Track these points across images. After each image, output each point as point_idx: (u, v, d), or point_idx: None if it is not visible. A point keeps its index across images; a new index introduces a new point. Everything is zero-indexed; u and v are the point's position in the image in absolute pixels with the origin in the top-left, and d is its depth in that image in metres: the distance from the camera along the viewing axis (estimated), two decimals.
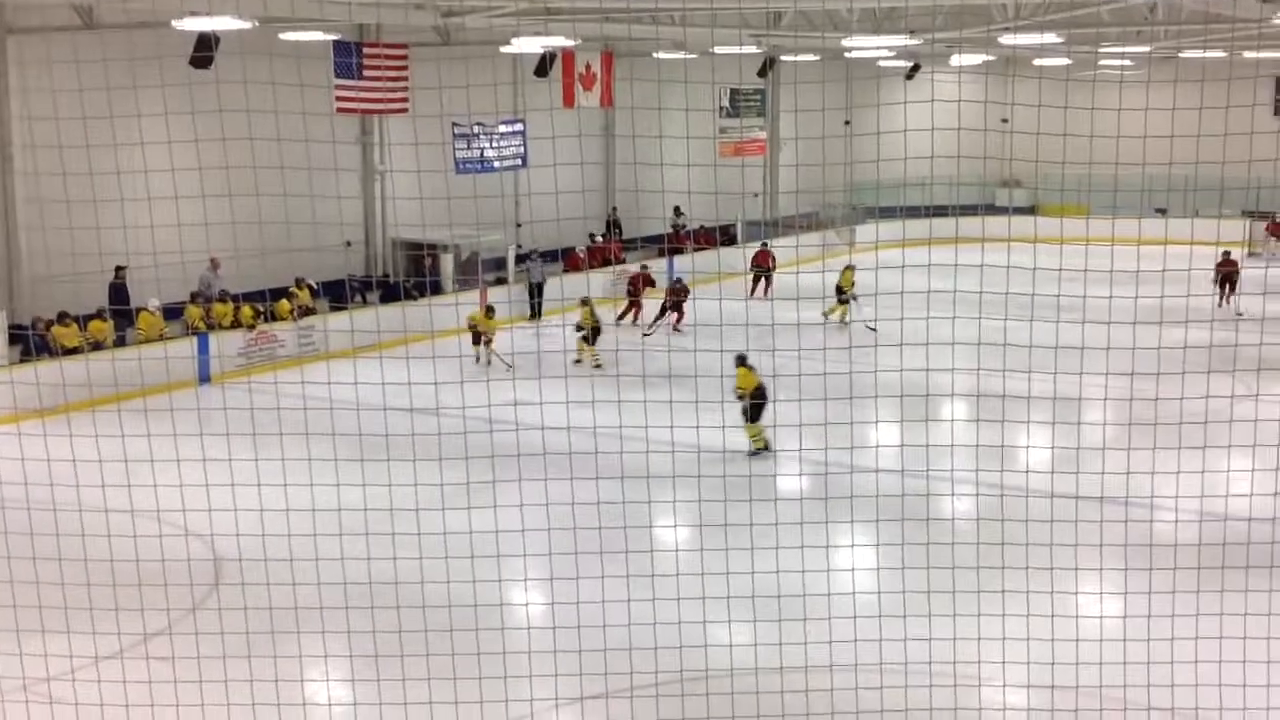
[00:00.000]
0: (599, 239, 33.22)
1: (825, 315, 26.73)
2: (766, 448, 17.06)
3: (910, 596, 8.87)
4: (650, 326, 26.53)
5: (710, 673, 9.25)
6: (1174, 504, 13.91)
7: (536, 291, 28.95)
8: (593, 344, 23.58)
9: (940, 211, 36.70)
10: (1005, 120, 38.85)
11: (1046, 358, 20.16)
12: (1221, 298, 28.69)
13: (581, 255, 31.63)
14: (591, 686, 9.12)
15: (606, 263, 31.83)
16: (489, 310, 24.35)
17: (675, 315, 26.72)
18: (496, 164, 29.65)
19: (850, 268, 26.33)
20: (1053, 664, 8.33)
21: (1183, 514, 14.29)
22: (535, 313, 28.86)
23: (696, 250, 32.66)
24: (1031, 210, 40.13)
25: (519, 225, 30.81)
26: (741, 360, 17.04)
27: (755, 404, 16.87)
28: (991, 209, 39.77)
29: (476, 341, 24.04)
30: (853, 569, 10.34)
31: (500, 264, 29.53)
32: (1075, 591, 11.11)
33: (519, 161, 29.92)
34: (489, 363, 23.38)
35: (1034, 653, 8.48)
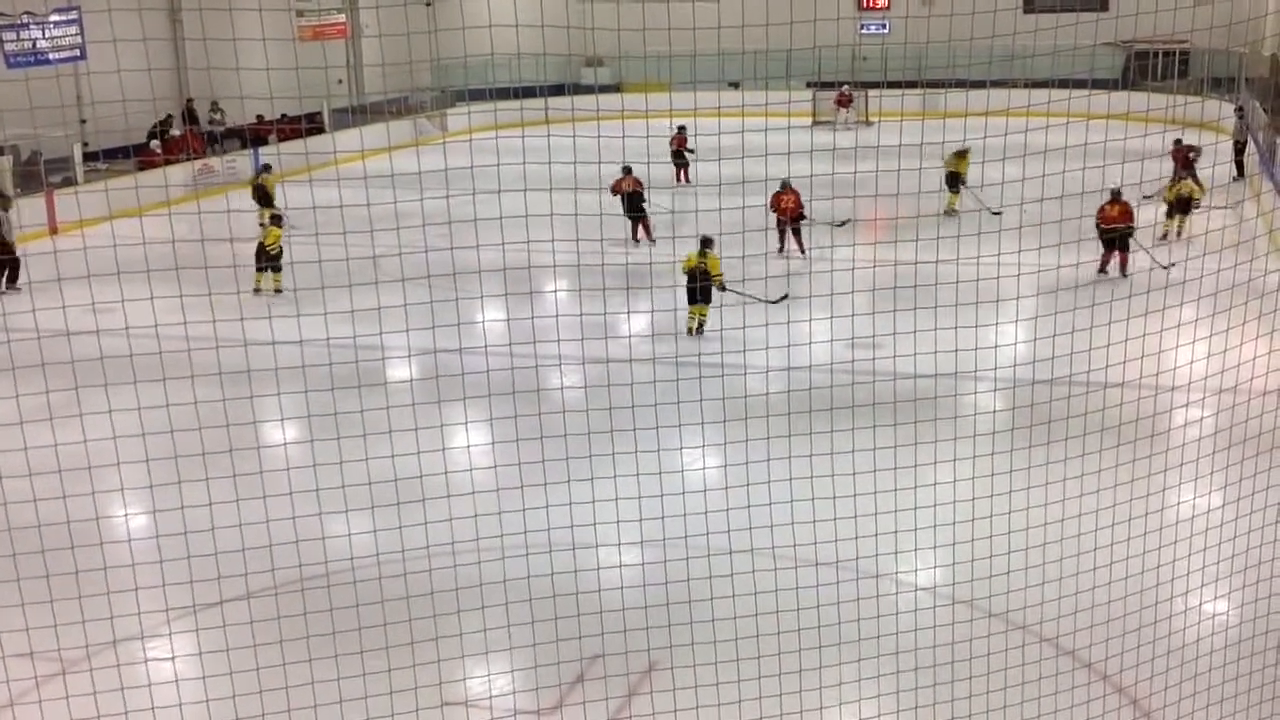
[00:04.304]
0: (155, 145, 30.25)
1: (947, 211, 24.79)
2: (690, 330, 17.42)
3: (526, 468, 8.99)
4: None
5: (331, 563, 9.08)
6: (764, 359, 14.79)
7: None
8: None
9: (526, 92, 36.86)
10: None
11: (622, 230, 20.71)
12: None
13: (157, 151, 29.76)
14: (207, 594, 8.76)
15: (195, 155, 30.13)
16: None
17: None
18: (52, 56, 27.25)
19: (966, 151, 24.38)
20: (663, 518, 8.69)
21: (769, 368, 15.26)
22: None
23: (282, 140, 31.40)
24: (616, 88, 41.01)
25: (83, 121, 28.58)
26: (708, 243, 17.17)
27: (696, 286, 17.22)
28: (579, 88, 40.35)
29: None
30: (468, 446, 10.36)
31: (65, 164, 27.35)
32: (669, 450, 11.59)
33: (77, 53, 27.60)
34: None
35: (645, 510, 8.82)
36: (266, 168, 25.82)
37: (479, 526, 8.51)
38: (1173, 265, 19.57)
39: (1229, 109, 30.50)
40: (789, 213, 22.17)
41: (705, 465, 12.24)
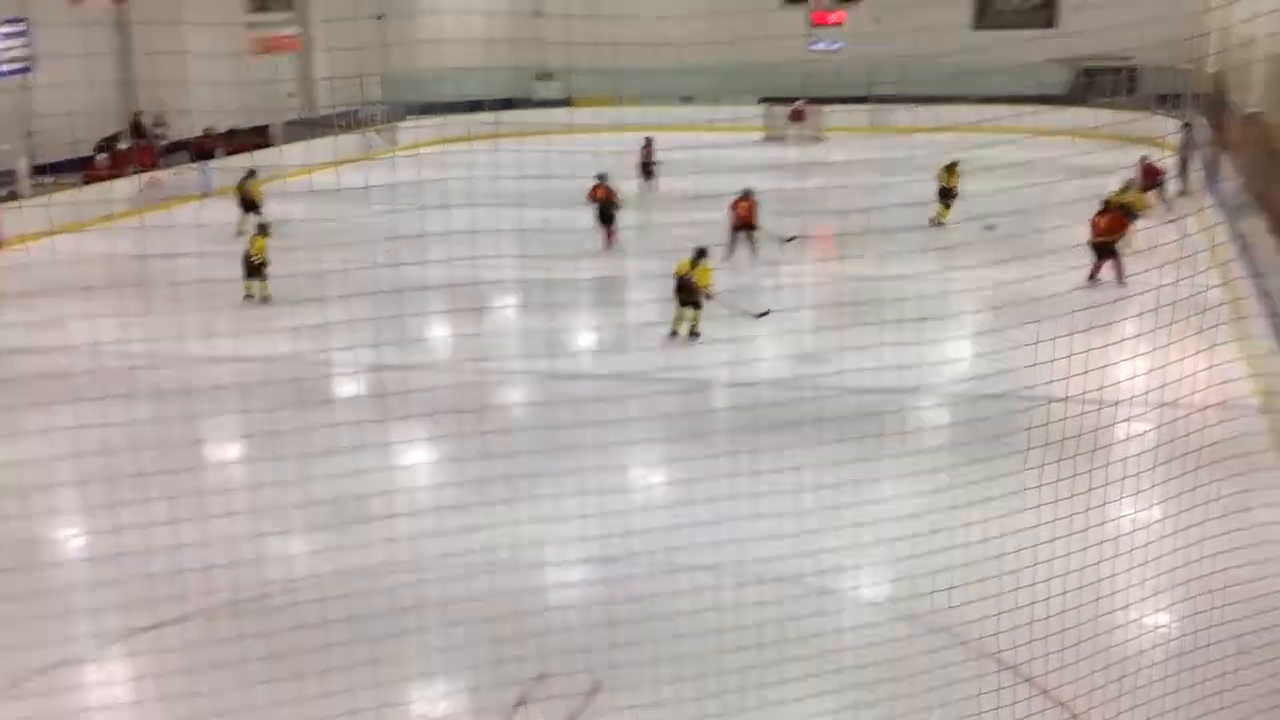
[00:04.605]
0: (102, 159, 29.60)
1: (931, 221, 24.69)
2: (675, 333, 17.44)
3: (469, 488, 8.94)
4: None
5: (268, 585, 8.98)
6: (715, 374, 14.81)
7: None
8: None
9: (477, 106, 36.78)
10: (539, 13, 38.97)
11: (575, 244, 20.62)
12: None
13: (102, 164, 29.41)
14: (141, 617, 8.63)
15: (143, 169, 29.74)
16: None
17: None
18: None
19: (955, 164, 24.45)
20: (606, 537, 8.64)
21: (716, 384, 15.27)
22: None
23: (231, 153, 31.08)
24: (567, 101, 40.97)
25: (30, 135, 28.20)
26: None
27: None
28: (530, 102, 40.31)
29: None
30: (410, 465, 10.30)
31: (9, 177, 26.99)
32: (627, 466, 11.59)
33: (24, 66, 27.33)
34: None
35: (590, 528, 8.78)
36: (251, 173, 25.53)
37: (421, 547, 8.44)
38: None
39: (1175, 125, 30.85)
40: (741, 219, 22.40)
41: (653, 483, 12.18)
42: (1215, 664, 8.21)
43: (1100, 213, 20.35)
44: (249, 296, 19.68)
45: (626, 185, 25.14)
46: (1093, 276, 20.24)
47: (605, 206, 23.73)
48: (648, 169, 29.42)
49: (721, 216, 21.85)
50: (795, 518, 8.52)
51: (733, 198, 22.24)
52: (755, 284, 19.84)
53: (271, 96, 33.78)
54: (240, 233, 23.34)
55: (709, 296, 17.44)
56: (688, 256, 17.52)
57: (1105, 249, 20.30)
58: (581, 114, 38.44)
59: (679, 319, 17.48)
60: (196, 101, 29.18)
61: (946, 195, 25.14)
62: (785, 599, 9.14)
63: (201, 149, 31.45)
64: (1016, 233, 20.76)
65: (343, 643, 7.90)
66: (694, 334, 17.51)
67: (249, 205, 24.80)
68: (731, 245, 22.22)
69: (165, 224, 23.82)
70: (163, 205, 27.37)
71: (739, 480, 8.68)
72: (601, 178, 23.61)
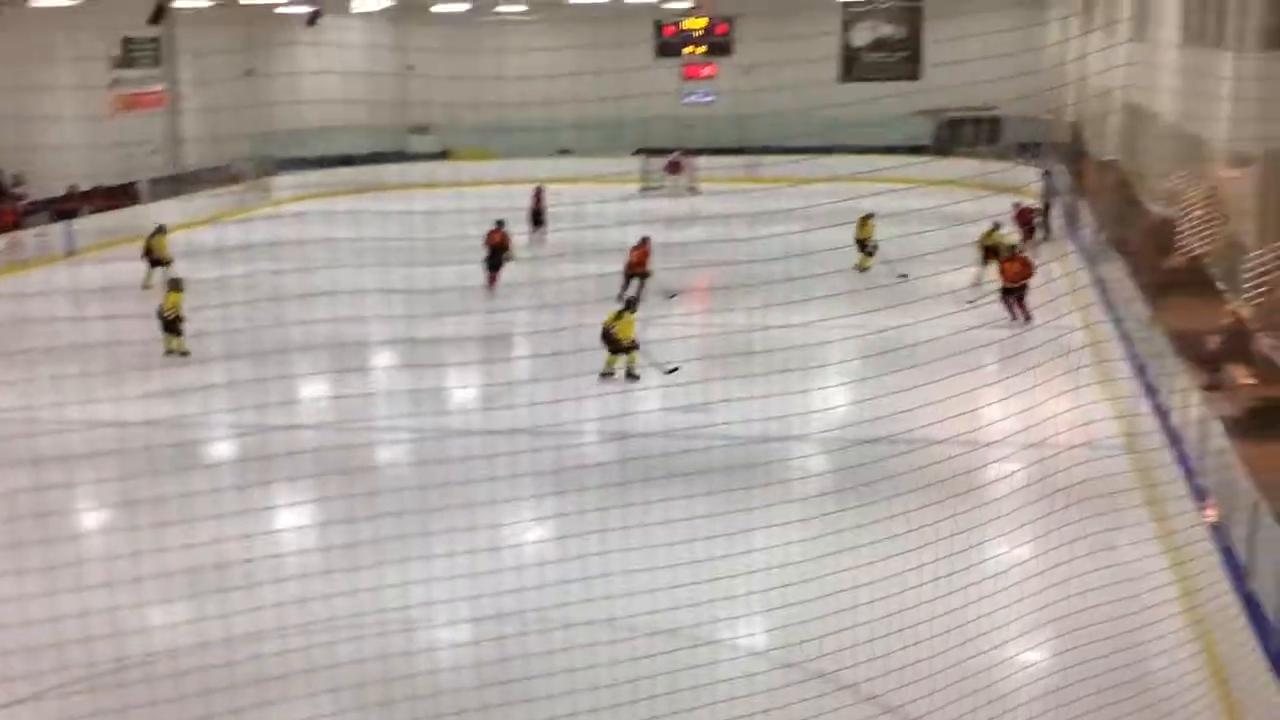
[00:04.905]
0: None
1: (855, 267, 24.84)
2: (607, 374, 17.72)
3: (351, 550, 8.73)
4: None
5: (128, 659, 8.61)
6: (592, 428, 14.74)
7: None
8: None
9: (349, 160, 36.39)
10: (411, 66, 38.80)
11: (456, 300, 20.49)
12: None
13: None
14: None
15: (3, 230, 28.78)
16: None
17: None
18: None
19: (869, 216, 24.60)
20: (484, 596, 8.47)
21: (595, 436, 15.21)
22: None
23: (95, 212, 30.29)
24: (443, 155, 40.75)
25: None
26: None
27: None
28: (404, 155, 40.02)
29: None
30: (299, 528, 9.99)
31: None
32: (504, 524, 11.41)
33: None
34: None
35: (476, 586, 8.61)
36: (161, 229, 24.91)
37: (287, 614, 8.19)
38: (973, 303, 20.32)
39: (1036, 173, 31.68)
40: (632, 266, 22.67)
41: (528, 539, 11.97)
42: (1085, 700, 8.32)
43: (1009, 259, 21.17)
44: (170, 352, 19.13)
45: (518, 237, 25.28)
46: (1013, 318, 20.93)
47: (496, 252, 23.83)
48: (538, 217, 29.34)
49: (598, 269, 21.93)
50: (673, 570, 8.44)
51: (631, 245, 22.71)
52: (639, 335, 19.88)
53: (136, 154, 33.07)
54: (146, 287, 22.95)
55: (634, 346, 17.61)
56: (615, 308, 17.75)
57: (1015, 292, 21.05)
58: (446, 170, 38.35)
59: (611, 362, 17.65)
60: (59, 160, 28.43)
61: (863, 245, 25.57)
62: (666, 652, 9.05)
63: (64, 209, 30.58)
64: (893, 280, 21.15)
65: (205, 716, 7.61)
66: (632, 375, 17.64)
67: (156, 261, 24.25)
68: (623, 290, 22.34)
69: (36, 287, 23.02)
70: (23, 266, 26.56)
71: (614, 535, 8.57)
72: (500, 223, 23.84)
